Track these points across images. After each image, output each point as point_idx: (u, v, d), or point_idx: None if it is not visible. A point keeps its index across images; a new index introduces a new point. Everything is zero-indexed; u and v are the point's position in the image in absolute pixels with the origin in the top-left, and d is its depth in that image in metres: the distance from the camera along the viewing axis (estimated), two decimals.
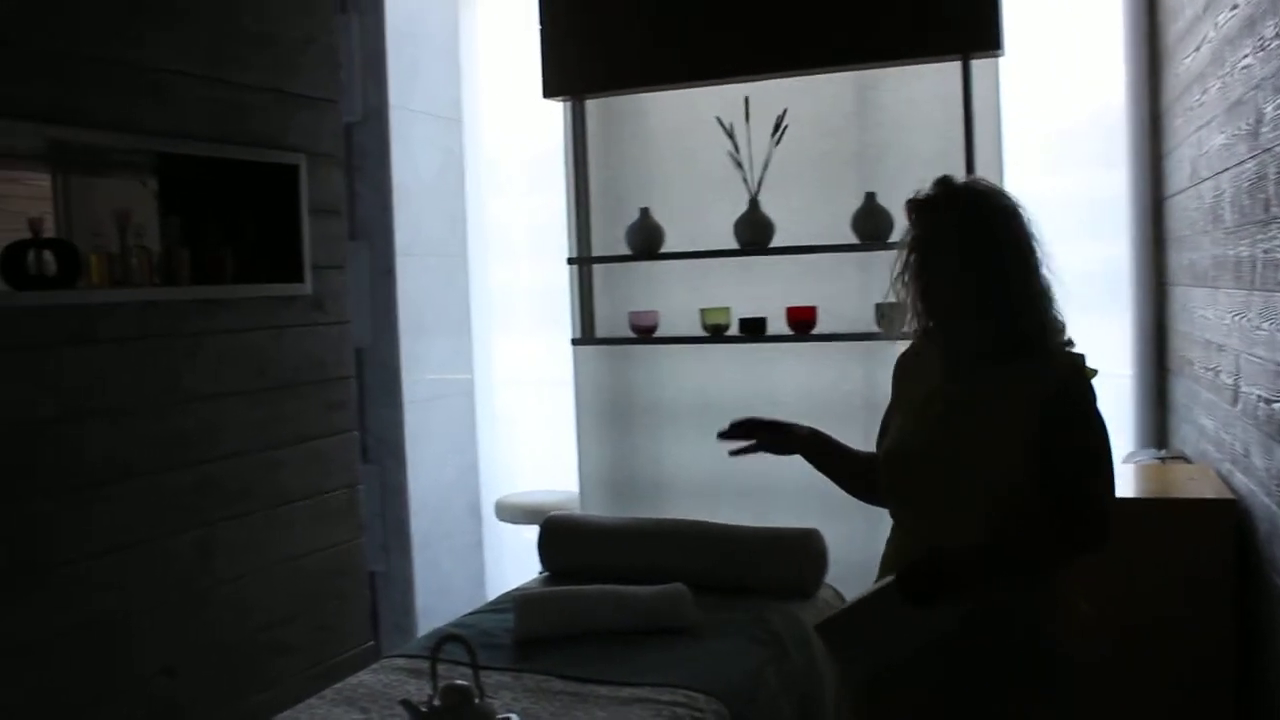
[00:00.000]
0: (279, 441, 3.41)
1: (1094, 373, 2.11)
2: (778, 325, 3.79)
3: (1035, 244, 2.11)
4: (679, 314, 3.98)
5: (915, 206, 2.17)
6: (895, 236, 3.23)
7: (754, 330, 3.80)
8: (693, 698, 2.58)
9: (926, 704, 2.10)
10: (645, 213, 3.95)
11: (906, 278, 2.17)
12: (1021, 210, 2.12)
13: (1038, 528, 2.04)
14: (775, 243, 3.78)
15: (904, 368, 2.36)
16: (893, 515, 2.28)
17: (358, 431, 3.80)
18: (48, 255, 2.91)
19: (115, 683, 2.91)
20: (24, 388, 2.71)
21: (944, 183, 2.16)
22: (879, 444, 2.36)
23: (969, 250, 2.11)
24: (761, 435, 2.36)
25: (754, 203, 3.77)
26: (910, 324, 2.23)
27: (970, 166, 3.41)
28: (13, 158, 3.04)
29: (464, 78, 5.04)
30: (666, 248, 3.97)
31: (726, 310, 3.86)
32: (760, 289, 3.89)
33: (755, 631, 2.97)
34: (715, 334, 3.87)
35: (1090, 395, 2.10)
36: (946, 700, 2.09)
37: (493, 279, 5.09)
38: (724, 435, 2.36)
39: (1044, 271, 2.12)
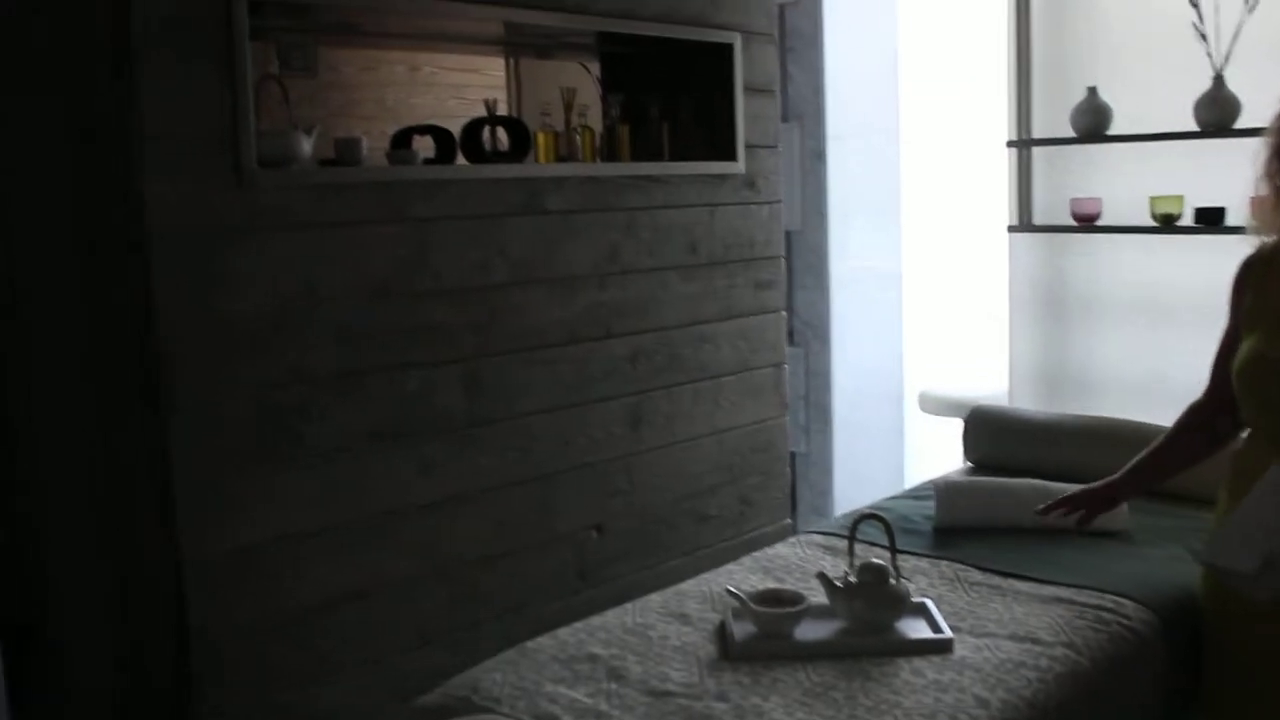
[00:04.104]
0: (708, 317, 3.49)
1: None
2: (1239, 216, 3.46)
3: None
4: (1124, 201, 3.73)
5: None
6: None
7: (1211, 221, 3.50)
8: (1120, 603, 2.44)
9: None
10: (1093, 92, 3.71)
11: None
12: None
13: None
14: (1241, 124, 3.44)
15: (1254, 276, 2.31)
16: (1254, 426, 2.30)
17: (785, 311, 3.84)
18: (501, 132, 3.11)
19: (548, 534, 3.12)
20: (480, 253, 2.91)
21: None
22: (1219, 363, 2.39)
23: None
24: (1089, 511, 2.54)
25: (1219, 79, 3.43)
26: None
27: None
28: (474, 43, 3.27)
29: None
30: (1114, 129, 3.72)
31: (1179, 199, 3.58)
32: (1220, 176, 3.56)
33: (1192, 543, 2.77)
34: (1165, 224, 3.60)
35: None
36: None
37: (925, 163, 4.96)
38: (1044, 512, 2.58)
39: None
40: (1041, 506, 2.60)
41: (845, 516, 3.08)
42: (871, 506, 3.16)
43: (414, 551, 2.82)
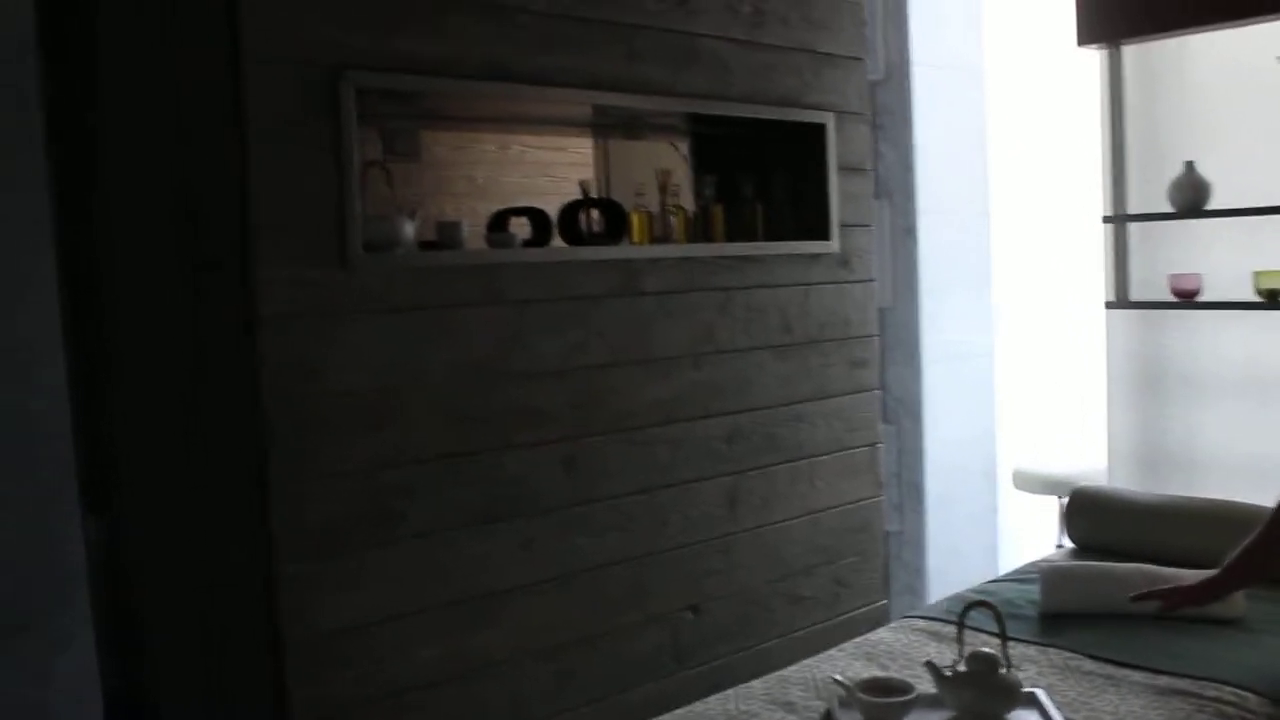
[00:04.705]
0: (804, 396, 3.47)
1: None
2: None
3: None
4: (1224, 276, 3.67)
5: None
6: None
7: None
8: (1242, 696, 2.35)
9: None
10: (1190, 166, 3.67)
11: None
12: None
13: None
14: None
15: None
16: None
17: (880, 390, 3.81)
18: (595, 214, 3.13)
19: (644, 615, 3.09)
20: (578, 334, 2.92)
21: None
22: None
23: None
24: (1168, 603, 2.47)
25: None
26: None
27: None
28: (563, 125, 3.30)
29: (988, 30, 4.87)
30: (1213, 204, 3.67)
31: None
32: None
33: None
34: (1270, 299, 3.53)
35: None
36: None
37: (1017, 237, 4.92)
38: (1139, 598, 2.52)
39: None
40: (1134, 595, 2.54)
41: (947, 600, 3.02)
42: (972, 590, 3.10)
43: (512, 632, 2.80)
